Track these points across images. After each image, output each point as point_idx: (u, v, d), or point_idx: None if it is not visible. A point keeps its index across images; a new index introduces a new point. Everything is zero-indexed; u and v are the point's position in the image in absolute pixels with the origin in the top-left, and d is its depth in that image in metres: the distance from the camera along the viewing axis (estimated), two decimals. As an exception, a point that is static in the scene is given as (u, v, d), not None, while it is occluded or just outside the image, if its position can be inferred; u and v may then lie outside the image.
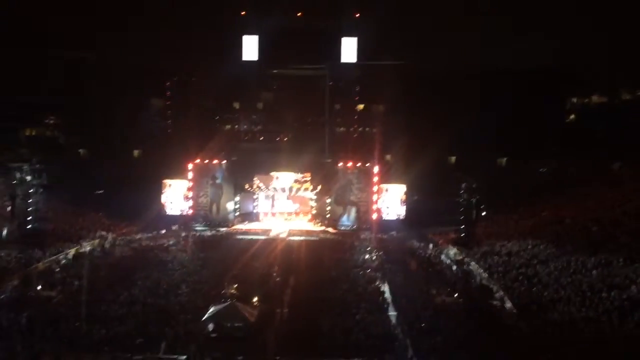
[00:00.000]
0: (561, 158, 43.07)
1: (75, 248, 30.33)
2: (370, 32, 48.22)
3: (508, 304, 21.40)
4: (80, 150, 50.94)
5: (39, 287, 22.59)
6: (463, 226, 32.71)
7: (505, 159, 49.24)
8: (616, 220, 28.08)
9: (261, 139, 49.97)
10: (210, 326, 19.63)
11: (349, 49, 48.88)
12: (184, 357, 17.48)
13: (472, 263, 28.04)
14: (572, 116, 52.14)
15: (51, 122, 51.01)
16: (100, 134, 48.09)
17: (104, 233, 35.26)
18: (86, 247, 31.27)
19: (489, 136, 46.02)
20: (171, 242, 34.83)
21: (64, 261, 28.13)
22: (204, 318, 19.94)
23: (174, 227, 40.03)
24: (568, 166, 42.28)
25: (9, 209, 32.17)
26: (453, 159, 49.52)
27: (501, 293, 22.56)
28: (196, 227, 41.28)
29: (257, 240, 36.63)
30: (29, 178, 31.07)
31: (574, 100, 52.51)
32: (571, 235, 28.38)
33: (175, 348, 18.14)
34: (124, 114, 48.17)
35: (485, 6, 51.33)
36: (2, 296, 21.61)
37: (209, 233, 39.47)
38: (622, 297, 18.94)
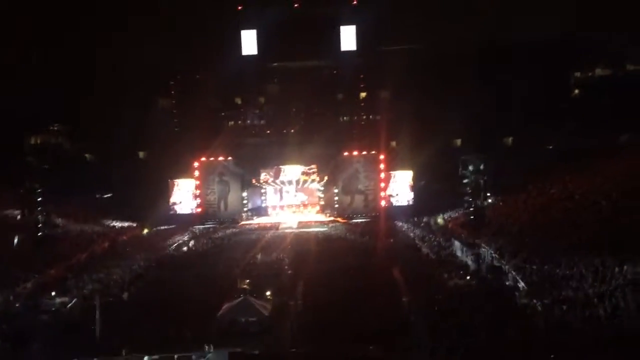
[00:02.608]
0: (568, 134, 42.61)
1: (86, 253, 30.54)
2: (369, 18, 47.77)
3: (520, 284, 21.33)
4: (87, 155, 51.09)
5: (53, 293, 22.72)
6: (472, 208, 32.56)
7: (511, 138, 48.76)
8: (626, 194, 27.75)
9: (266, 133, 49.89)
10: (225, 322, 19.75)
11: (348, 38, 48.53)
12: (200, 355, 17.46)
13: (482, 245, 27.91)
14: (577, 91, 51.44)
15: (56, 128, 51.02)
16: (104, 137, 48.05)
17: (114, 236, 35.54)
18: (97, 251, 31.50)
19: (493, 116, 45.66)
20: (182, 242, 35.04)
21: (76, 267, 28.33)
22: (218, 314, 20.05)
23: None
24: (575, 142, 41.81)
25: (18, 217, 32.47)
26: (459, 141, 49.12)
27: (513, 273, 22.48)
28: (206, 224, 41.56)
29: (267, 234, 36.79)
30: (36, 186, 31.21)
31: (577, 74, 51.75)
32: (581, 211, 28.14)
33: (190, 346, 18.18)
34: (127, 115, 48.07)
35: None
36: (17, 304, 21.77)
37: (219, 230, 39.66)
38: (635, 271, 18.79)
